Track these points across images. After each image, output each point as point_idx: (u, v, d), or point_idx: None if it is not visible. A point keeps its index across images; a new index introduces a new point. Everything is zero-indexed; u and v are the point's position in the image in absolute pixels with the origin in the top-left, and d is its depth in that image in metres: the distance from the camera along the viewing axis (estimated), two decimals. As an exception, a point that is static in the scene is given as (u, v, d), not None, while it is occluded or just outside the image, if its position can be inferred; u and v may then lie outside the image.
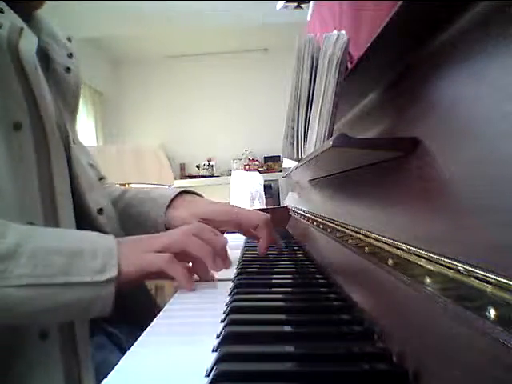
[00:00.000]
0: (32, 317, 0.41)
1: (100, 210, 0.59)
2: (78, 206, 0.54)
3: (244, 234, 0.72)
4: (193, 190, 0.73)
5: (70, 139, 0.55)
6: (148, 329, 0.39)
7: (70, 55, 0.56)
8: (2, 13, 0.46)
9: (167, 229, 0.64)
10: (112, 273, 0.42)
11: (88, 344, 0.50)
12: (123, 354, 0.34)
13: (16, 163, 0.45)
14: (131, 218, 0.67)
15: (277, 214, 1.22)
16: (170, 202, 0.66)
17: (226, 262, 0.56)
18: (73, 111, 0.58)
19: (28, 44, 0.48)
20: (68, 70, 0.54)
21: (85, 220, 0.56)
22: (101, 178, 0.69)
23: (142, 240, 0.50)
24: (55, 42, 0.55)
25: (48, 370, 0.45)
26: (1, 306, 0.38)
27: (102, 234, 0.47)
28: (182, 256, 0.49)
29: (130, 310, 0.63)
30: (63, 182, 0.51)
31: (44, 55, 0.55)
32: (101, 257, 0.42)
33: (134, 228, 0.66)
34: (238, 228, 0.68)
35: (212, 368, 0.29)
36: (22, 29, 0.47)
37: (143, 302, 0.67)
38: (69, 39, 0.58)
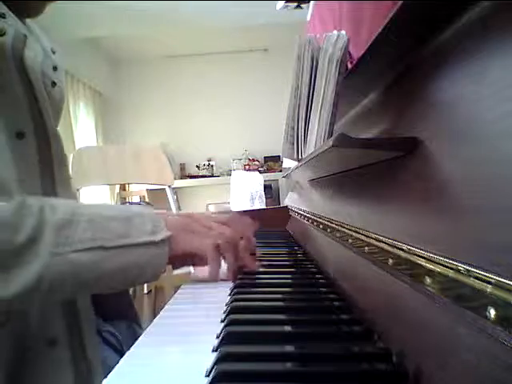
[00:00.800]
0: (97, 282, 0.41)
1: None
2: None
3: None
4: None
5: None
6: (148, 329, 0.39)
7: (55, 68, 0.54)
8: (4, 18, 0.45)
9: None
10: (164, 233, 0.43)
11: (98, 347, 0.50)
12: (123, 353, 0.34)
13: (21, 171, 0.45)
14: None
15: (277, 214, 1.22)
16: None
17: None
18: (55, 123, 0.56)
19: (33, 53, 0.47)
20: (54, 84, 0.53)
21: None
22: None
23: (188, 219, 0.50)
24: (44, 54, 0.52)
25: (58, 377, 0.45)
26: (69, 273, 0.38)
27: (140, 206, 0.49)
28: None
29: (130, 310, 0.64)
30: (65, 189, 0.51)
31: None
32: (148, 221, 0.44)
33: None
34: None
35: (212, 368, 0.29)
36: (25, 36, 0.47)
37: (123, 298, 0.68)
38: (52, 51, 0.56)
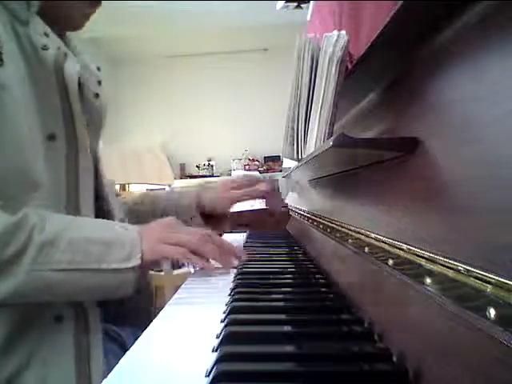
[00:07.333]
0: (66, 296, 0.47)
1: (121, 220, 0.64)
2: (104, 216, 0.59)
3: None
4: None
5: (98, 154, 0.63)
6: (148, 329, 0.39)
7: (99, 83, 0.62)
8: (47, 37, 0.51)
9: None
10: (136, 261, 0.48)
11: (99, 332, 0.52)
12: (124, 353, 0.34)
13: (50, 168, 0.50)
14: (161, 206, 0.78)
15: (277, 214, 1.22)
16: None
17: (236, 257, 0.63)
18: (98, 131, 0.65)
19: (72, 66, 0.53)
20: (97, 95, 0.59)
21: None
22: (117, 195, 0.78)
23: (162, 231, 0.56)
24: (87, 71, 0.59)
25: (60, 349, 0.48)
26: (42, 286, 0.44)
27: (126, 226, 0.54)
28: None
29: (132, 311, 0.64)
30: (87, 193, 0.55)
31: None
32: (128, 247, 0.48)
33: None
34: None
35: (212, 368, 0.29)
36: (65, 54, 0.53)
37: (144, 302, 0.68)
38: (98, 68, 0.64)
